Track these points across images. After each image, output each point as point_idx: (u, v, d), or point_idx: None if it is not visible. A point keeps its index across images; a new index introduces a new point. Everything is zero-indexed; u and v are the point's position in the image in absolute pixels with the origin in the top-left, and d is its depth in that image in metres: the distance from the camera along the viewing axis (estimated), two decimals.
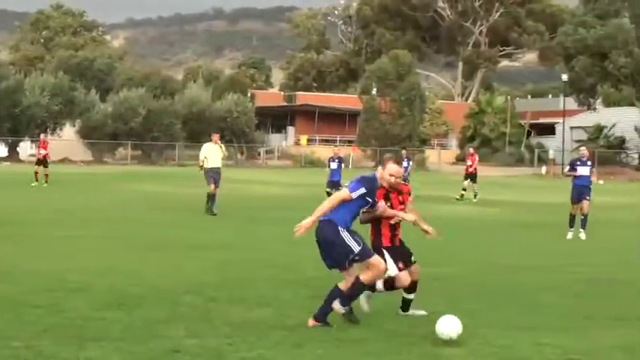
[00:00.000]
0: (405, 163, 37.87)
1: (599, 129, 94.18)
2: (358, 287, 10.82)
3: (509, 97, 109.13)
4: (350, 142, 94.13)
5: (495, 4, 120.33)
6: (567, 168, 26.57)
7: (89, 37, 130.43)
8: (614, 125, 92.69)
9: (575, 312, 12.07)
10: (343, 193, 10.87)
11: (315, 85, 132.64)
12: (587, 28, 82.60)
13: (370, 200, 10.97)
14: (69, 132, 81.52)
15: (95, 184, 43.93)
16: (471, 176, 40.89)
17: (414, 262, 11.90)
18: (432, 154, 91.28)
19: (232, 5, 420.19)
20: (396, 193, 11.56)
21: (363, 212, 11.21)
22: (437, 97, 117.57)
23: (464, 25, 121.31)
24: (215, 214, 27.05)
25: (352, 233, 10.84)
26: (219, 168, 28.42)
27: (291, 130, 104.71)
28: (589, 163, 25.58)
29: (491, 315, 11.62)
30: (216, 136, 29.23)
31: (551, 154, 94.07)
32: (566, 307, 12.49)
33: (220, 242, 19.76)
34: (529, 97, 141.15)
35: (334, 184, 32.11)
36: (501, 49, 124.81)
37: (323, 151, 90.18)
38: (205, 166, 28.38)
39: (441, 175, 73.21)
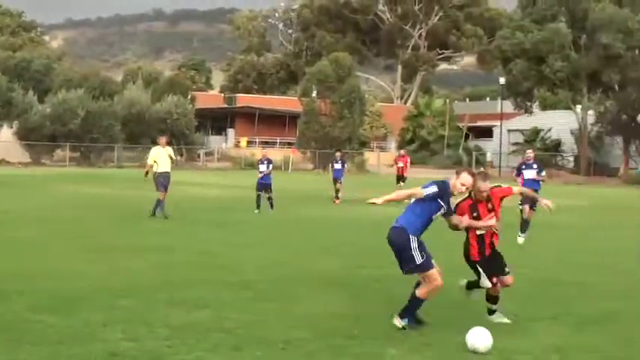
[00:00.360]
0: (338, 165, 37.89)
1: (535, 132, 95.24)
2: (414, 302, 11.07)
3: (447, 100, 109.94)
4: (290, 144, 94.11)
5: (435, 7, 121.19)
6: (514, 172, 26.04)
7: (27, 37, 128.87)
8: (550, 129, 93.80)
9: (516, 312, 12.16)
10: (417, 190, 11.13)
11: (255, 87, 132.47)
12: (525, 33, 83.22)
13: (442, 204, 11.11)
14: (6, 133, 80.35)
15: (33, 186, 43.45)
16: (403, 178, 40.96)
17: (507, 272, 11.90)
18: (371, 157, 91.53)
19: (173, 6, 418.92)
20: (484, 202, 11.61)
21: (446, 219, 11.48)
22: (376, 99, 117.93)
23: (403, 28, 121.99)
24: (167, 217, 26.47)
25: (421, 244, 11.10)
26: (168, 172, 27.59)
27: (231, 132, 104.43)
28: (535, 165, 25.14)
29: (428, 315, 11.66)
30: (163, 140, 28.46)
31: (488, 157, 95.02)
32: (506, 308, 12.58)
33: (159, 244, 19.62)
34: (467, 100, 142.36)
35: (264, 187, 31.91)
36: (440, 52, 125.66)
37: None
38: (155, 170, 27.54)
39: (379, 178, 73.43)
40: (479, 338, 9.90)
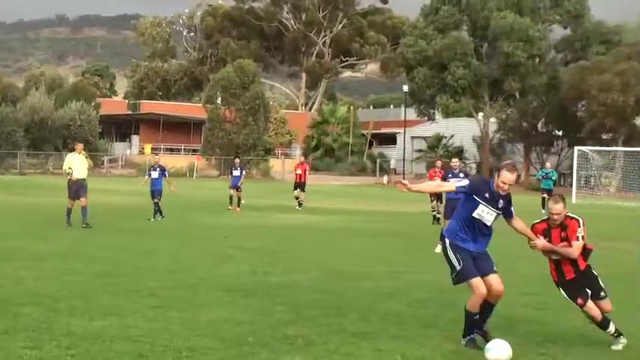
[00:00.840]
0: (237, 172, 37.66)
1: (438, 139, 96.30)
2: (467, 317, 10.68)
3: (351, 108, 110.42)
4: (195, 151, 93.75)
5: (339, 15, 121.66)
6: (438, 179, 24.18)
7: None
8: (452, 136, 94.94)
9: (414, 319, 12.27)
10: (449, 183, 11.35)
11: (159, 93, 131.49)
12: (427, 41, 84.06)
13: (481, 202, 10.54)
14: None
15: None
16: (301, 185, 40.63)
17: (603, 297, 11.17)
18: (276, 164, 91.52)
19: (76, 12, 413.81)
20: (558, 229, 10.98)
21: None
22: (281, 106, 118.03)
23: (308, 35, 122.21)
24: (90, 227, 25.71)
25: (457, 249, 10.62)
26: (84, 179, 27.03)
27: (135, 138, 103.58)
28: (461, 175, 22.87)
29: (334, 322, 11.71)
30: (80, 146, 27.87)
31: (392, 164, 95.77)
32: (406, 314, 12.68)
33: (61, 252, 19.35)
34: (371, 107, 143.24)
35: (157, 193, 31.62)
36: (344, 59, 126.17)
37: (168, 160, 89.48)
38: (69, 177, 26.98)
39: (284, 184, 73.45)
40: (500, 351, 9.77)
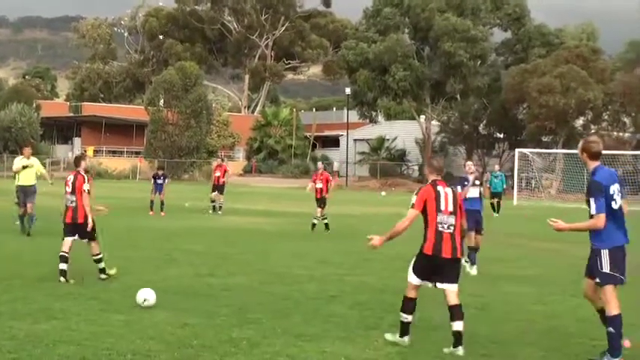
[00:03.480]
0: (160, 181, 37.06)
1: (381, 141, 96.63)
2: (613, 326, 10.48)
3: (294, 110, 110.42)
4: (137, 153, 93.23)
5: (281, 18, 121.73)
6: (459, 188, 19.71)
7: None
8: (395, 138, 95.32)
9: (358, 321, 12.33)
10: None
11: (101, 95, 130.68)
12: (369, 43, 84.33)
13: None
14: None
15: None
16: (219, 187, 39.17)
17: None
18: None
19: (17, 14, 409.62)
20: None
21: None
22: (224, 109, 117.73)
23: (250, 38, 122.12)
24: (29, 235, 24.45)
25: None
26: (32, 186, 25.56)
27: (77, 140, 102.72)
28: (477, 182, 20.64)
29: (278, 324, 11.74)
30: (27, 150, 26.31)
31: (335, 166, 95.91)
32: (350, 316, 12.74)
33: (3, 256, 19.17)
34: (314, 110, 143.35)
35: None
36: (287, 62, 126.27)
37: (110, 163, 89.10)
38: (16, 182, 25.69)
39: (227, 186, 73.19)
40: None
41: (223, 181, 39.10)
